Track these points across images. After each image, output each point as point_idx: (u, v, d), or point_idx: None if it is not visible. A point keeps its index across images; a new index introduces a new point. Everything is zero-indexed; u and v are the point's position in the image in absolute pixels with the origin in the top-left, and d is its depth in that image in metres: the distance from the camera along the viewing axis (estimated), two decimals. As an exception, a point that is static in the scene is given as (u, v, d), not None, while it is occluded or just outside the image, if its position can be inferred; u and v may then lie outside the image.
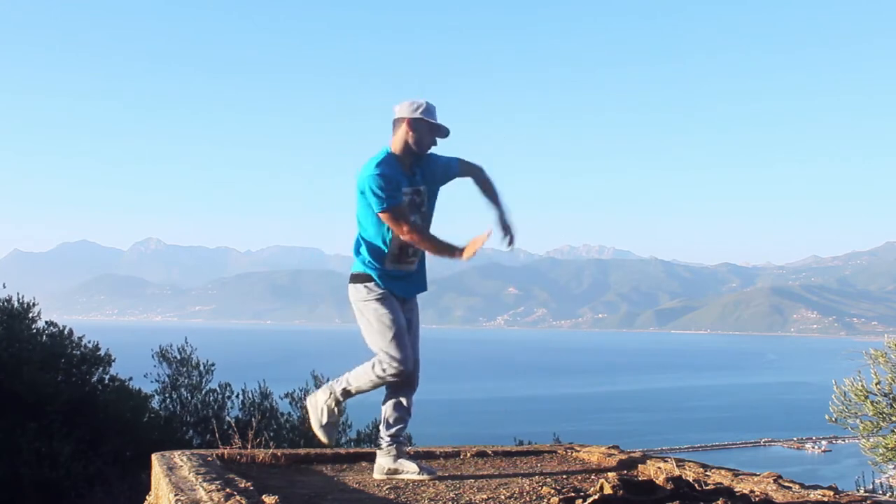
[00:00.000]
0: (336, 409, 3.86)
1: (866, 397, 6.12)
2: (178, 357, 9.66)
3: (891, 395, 6.07)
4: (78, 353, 8.76)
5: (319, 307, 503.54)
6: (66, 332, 8.82)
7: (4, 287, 9.03)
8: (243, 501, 2.78)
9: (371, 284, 3.75)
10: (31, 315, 8.79)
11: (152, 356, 9.67)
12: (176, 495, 2.93)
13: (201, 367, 9.68)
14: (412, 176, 3.77)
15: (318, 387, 9.95)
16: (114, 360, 8.99)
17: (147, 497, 3.98)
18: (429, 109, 3.73)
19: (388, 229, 3.70)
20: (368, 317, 3.71)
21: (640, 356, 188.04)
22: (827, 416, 6.35)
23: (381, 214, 3.65)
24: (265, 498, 2.91)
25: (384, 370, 3.66)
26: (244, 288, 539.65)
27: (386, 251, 3.75)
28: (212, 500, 2.84)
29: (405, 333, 3.71)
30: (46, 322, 8.88)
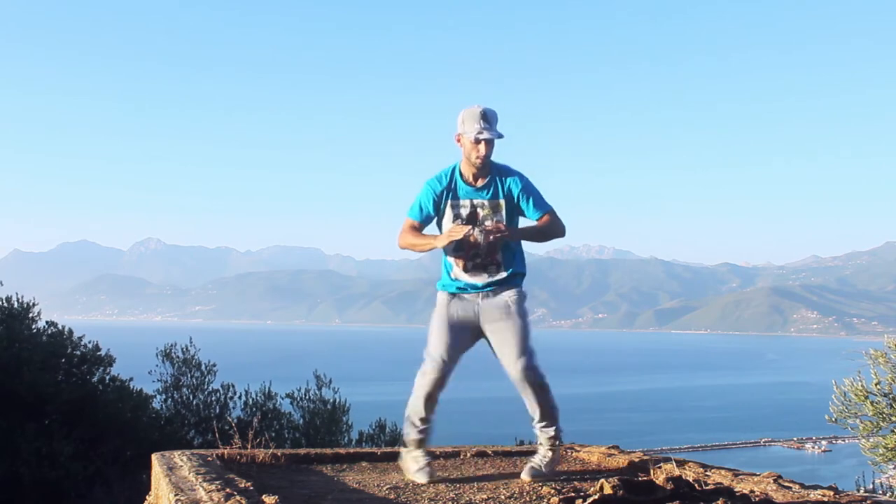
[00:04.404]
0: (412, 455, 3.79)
1: (866, 397, 6.12)
2: (182, 357, 9.68)
3: (891, 395, 6.07)
4: (78, 353, 8.76)
5: (319, 307, 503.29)
6: (66, 332, 8.83)
7: (1, 284, 9.03)
8: (243, 501, 2.78)
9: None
10: (31, 315, 8.80)
11: (156, 356, 9.68)
12: (176, 495, 2.93)
13: (203, 368, 9.69)
14: (477, 189, 3.75)
15: (319, 387, 10.03)
16: (114, 361, 8.99)
17: (147, 497, 3.98)
18: (468, 121, 3.67)
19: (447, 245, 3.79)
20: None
21: (640, 356, 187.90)
22: (827, 416, 6.35)
23: None
24: (265, 498, 2.91)
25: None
26: (244, 288, 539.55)
27: (450, 266, 3.81)
28: (212, 500, 2.84)
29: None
30: (46, 322, 8.88)
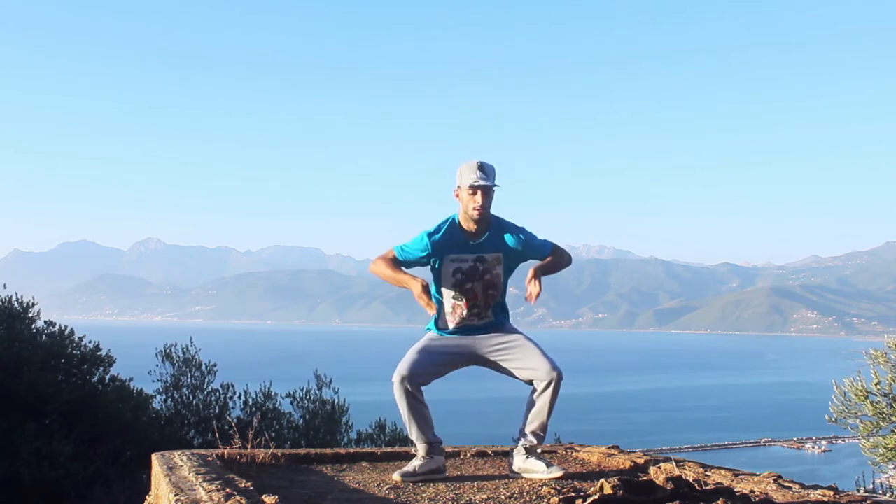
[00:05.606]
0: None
1: (866, 397, 6.12)
2: (182, 357, 9.68)
3: (891, 395, 6.07)
4: (78, 353, 8.76)
5: (319, 307, 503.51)
6: (66, 332, 8.83)
7: (5, 287, 9.03)
8: (243, 501, 2.78)
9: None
10: (30, 315, 8.80)
11: (155, 356, 9.68)
12: (176, 495, 2.93)
13: (203, 368, 9.70)
14: (476, 242, 3.77)
15: (319, 387, 10.04)
16: (114, 361, 8.99)
17: (147, 497, 3.98)
18: (465, 173, 3.72)
19: (438, 288, 3.80)
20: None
21: (640, 356, 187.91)
22: (827, 416, 6.35)
23: None
24: (265, 498, 2.91)
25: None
26: (244, 288, 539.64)
27: (436, 316, 3.82)
28: (212, 500, 2.84)
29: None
30: (46, 322, 8.88)
